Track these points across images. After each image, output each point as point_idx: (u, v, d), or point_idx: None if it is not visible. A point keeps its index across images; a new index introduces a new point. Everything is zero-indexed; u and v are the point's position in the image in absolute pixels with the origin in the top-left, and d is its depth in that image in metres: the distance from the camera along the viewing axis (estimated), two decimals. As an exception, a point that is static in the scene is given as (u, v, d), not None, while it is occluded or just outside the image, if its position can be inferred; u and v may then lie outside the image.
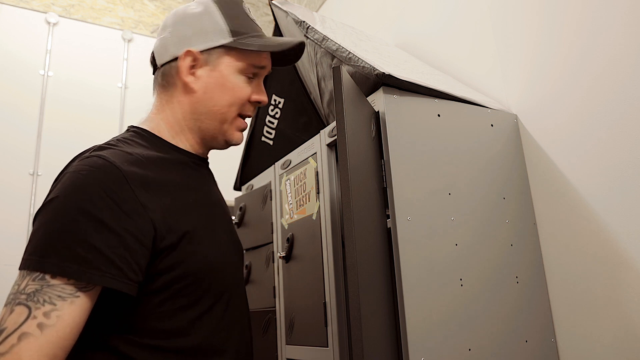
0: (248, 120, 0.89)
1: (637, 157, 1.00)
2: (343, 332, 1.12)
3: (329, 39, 1.22)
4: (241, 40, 0.79)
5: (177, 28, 0.79)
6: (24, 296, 0.57)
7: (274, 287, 1.43)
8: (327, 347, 1.17)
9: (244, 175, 1.82)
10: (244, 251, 0.99)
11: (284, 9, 1.42)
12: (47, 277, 0.59)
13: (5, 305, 0.58)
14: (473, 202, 1.11)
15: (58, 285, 0.59)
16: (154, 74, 0.85)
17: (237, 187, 1.90)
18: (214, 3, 0.80)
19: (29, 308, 0.57)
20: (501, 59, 1.37)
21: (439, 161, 1.09)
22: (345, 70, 0.92)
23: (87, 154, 0.69)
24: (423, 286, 0.97)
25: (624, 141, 1.03)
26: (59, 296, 0.58)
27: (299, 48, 0.86)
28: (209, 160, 0.90)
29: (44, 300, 0.58)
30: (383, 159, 1.03)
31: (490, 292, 1.06)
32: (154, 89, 0.85)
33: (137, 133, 0.80)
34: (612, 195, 1.05)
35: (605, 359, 1.03)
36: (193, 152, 0.83)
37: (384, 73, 1.02)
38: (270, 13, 1.53)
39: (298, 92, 1.54)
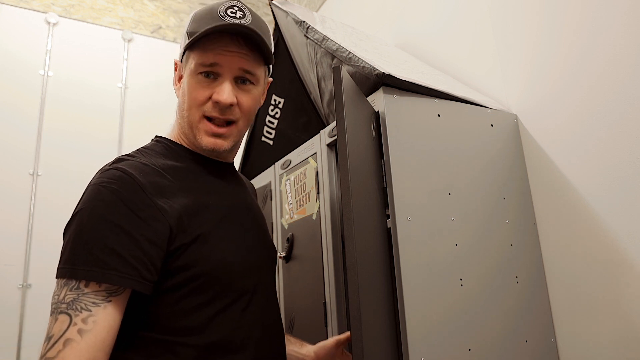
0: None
1: (637, 157, 1.00)
2: (343, 332, 1.12)
3: (329, 39, 1.22)
4: (191, 38, 0.77)
5: (182, 40, 0.84)
6: (64, 305, 0.64)
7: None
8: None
9: (244, 175, 1.82)
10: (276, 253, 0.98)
11: (284, 9, 1.42)
12: (82, 285, 0.65)
13: (51, 314, 0.65)
14: (473, 202, 1.11)
15: (91, 293, 0.64)
16: None
17: (237, 187, 1.90)
18: (195, 12, 0.82)
19: (70, 316, 0.63)
20: (501, 59, 1.37)
21: (439, 161, 1.09)
22: (345, 70, 0.92)
23: (106, 167, 0.74)
24: (423, 286, 0.97)
25: (624, 141, 1.03)
26: (93, 303, 0.64)
27: (243, 28, 0.77)
28: (234, 164, 0.91)
29: (81, 308, 0.64)
30: (383, 159, 1.03)
31: (490, 292, 1.06)
32: None
33: (158, 142, 0.84)
34: (612, 195, 1.05)
35: (605, 359, 1.03)
36: (210, 157, 0.85)
37: (384, 73, 1.02)
38: (271, 13, 1.53)
39: (298, 92, 1.54)
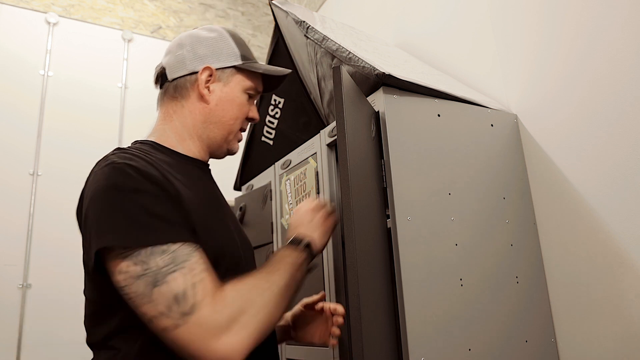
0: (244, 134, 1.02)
1: (637, 157, 1.00)
2: (343, 332, 1.12)
3: (329, 39, 1.22)
4: (249, 64, 0.92)
5: (194, 47, 0.90)
6: (166, 267, 0.66)
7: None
8: (327, 347, 1.17)
9: (244, 175, 1.82)
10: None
11: (284, 9, 1.42)
12: (162, 248, 0.67)
13: (157, 285, 0.65)
14: (473, 202, 1.11)
15: (177, 249, 0.68)
16: (161, 87, 0.93)
17: (237, 187, 1.90)
18: (226, 32, 0.94)
19: (183, 268, 0.67)
20: (501, 59, 1.37)
21: (439, 161, 1.09)
22: (345, 70, 0.92)
23: (103, 162, 0.76)
24: (423, 286, 0.97)
25: (624, 141, 1.03)
26: (188, 254, 0.68)
27: (285, 78, 1.00)
28: (210, 166, 0.96)
29: (183, 260, 0.67)
30: (383, 159, 1.03)
31: (490, 292, 1.06)
32: (160, 101, 0.92)
33: (142, 143, 0.87)
34: (612, 195, 1.05)
35: (605, 359, 1.03)
36: (195, 158, 0.90)
37: (384, 73, 1.02)
38: (270, 13, 1.53)
39: (298, 92, 1.53)
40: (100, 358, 0.75)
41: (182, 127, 0.89)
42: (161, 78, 0.92)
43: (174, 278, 0.65)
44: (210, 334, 0.64)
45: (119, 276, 0.67)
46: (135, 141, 0.89)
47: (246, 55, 0.93)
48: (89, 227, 0.71)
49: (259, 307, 0.71)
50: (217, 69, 0.89)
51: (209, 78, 0.88)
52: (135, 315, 0.68)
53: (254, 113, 0.95)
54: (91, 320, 0.79)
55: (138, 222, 0.67)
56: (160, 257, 0.66)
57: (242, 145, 1.79)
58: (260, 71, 0.93)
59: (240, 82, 0.91)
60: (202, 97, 0.88)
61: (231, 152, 0.94)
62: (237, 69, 0.91)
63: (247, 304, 0.69)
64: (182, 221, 0.71)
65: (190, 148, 0.89)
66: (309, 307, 1.01)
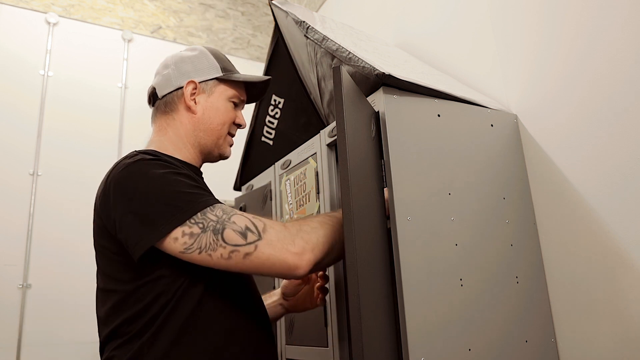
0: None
1: (637, 157, 1.00)
2: (343, 332, 1.13)
3: (329, 39, 1.22)
4: (230, 75, 1.03)
5: (178, 66, 1.01)
6: (226, 216, 0.79)
7: (274, 287, 1.43)
8: (327, 347, 1.17)
9: (244, 175, 1.82)
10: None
11: (284, 9, 1.42)
12: (212, 207, 0.80)
13: (222, 230, 0.78)
14: (473, 202, 1.11)
15: (223, 206, 0.82)
16: (152, 105, 1.05)
17: (237, 187, 1.90)
18: (206, 49, 1.04)
19: (237, 214, 0.81)
20: (501, 59, 1.37)
21: (439, 161, 1.09)
22: (345, 70, 0.92)
23: (130, 155, 0.87)
24: (423, 286, 0.97)
25: (624, 141, 1.03)
26: (228, 208, 0.82)
27: (267, 83, 1.10)
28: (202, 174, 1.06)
29: (230, 210, 0.81)
30: (383, 159, 1.03)
31: (490, 292, 1.06)
32: (153, 117, 1.03)
33: (143, 152, 0.92)
34: (612, 195, 1.05)
35: (605, 359, 1.03)
36: (190, 163, 0.99)
37: (384, 73, 1.02)
38: (270, 13, 1.53)
39: (298, 92, 1.53)
40: (123, 349, 0.80)
41: (177, 137, 0.98)
42: (152, 97, 1.04)
43: (233, 221, 0.78)
44: (282, 245, 0.78)
45: (176, 244, 0.77)
46: (135, 151, 0.92)
47: (227, 68, 1.03)
48: (136, 222, 0.79)
49: (320, 226, 0.84)
50: (200, 82, 0.99)
51: (194, 91, 0.98)
52: (165, 303, 0.80)
53: (240, 120, 1.05)
54: (114, 311, 0.84)
55: (179, 200, 0.78)
56: (211, 213, 0.78)
57: (242, 146, 1.79)
58: (240, 80, 1.03)
59: (224, 92, 1.01)
60: (189, 109, 0.98)
61: (223, 156, 1.04)
62: (219, 80, 1.01)
63: (309, 224, 0.83)
64: (209, 192, 0.85)
65: (186, 155, 0.98)
66: None
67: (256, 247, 0.77)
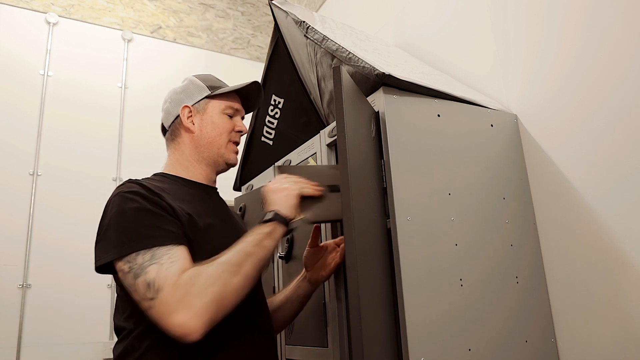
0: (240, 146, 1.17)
1: (637, 157, 1.00)
2: (343, 332, 1.12)
3: (329, 39, 1.22)
4: (216, 90, 1.10)
5: (173, 98, 1.11)
6: (147, 262, 0.81)
7: (274, 287, 1.43)
8: (327, 347, 1.17)
9: (244, 175, 1.82)
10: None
11: (284, 9, 1.42)
12: (150, 250, 0.83)
13: (137, 277, 0.81)
14: (473, 202, 1.11)
15: (161, 248, 0.83)
16: (165, 136, 1.14)
17: (237, 187, 1.90)
18: (193, 76, 1.13)
19: (157, 263, 0.81)
20: (501, 59, 1.37)
21: (439, 161, 1.09)
22: (345, 70, 0.92)
23: (121, 186, 0.94)
24: (423, 286, 0.97)
25: (624, 141, 1.03)
26: (165, 253, 0.83)
27: (256, 87, 1.13)
28: (217, 189, 1.13)
29: (161, 255, 0.82)
30: (383, 159, 1.03)
31: (490, 292, 1.06)
32: (167, 146, 1.13)
33: (158, 175, 1.06)
34: (612, 195, 1.05)
35: (605, 359, 1.03)
36: (202, 182, 1.07)
37: (384, 73, 1.02)
38: (270, 13, 1.53)
39: (298, 92, 1.53)
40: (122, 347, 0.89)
41: (183, 158, 1.08)
42: (163, 131, 1.14)
43: (148, 270, 0.80)
44: (168, 312, 0.77)
45: (119, 274, 0.85)
46: (155, 173, 1.07)
47: (213, 85, 1.11)
48: (97, 242, 0.89)
49: (213, 280, 0.81)
50: (193, 105, 1.08)
51: (190, 114, 1.08)
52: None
53: (240, 127, 1.11)
54: (117, 313, 0.95)
55: (133, 235, 0.84)
56: (142, 256, 0.82)
57: (242, 146, 1.79)
58: (227, 91, 1.10)
59: (216, 107, 1.09)
60: (188, 130, 1.07)
61: (229, 163, 1.10)
62: (209, 97, 1.09)
63: (201, 280, 0.80)
64: (171, 230, 0.86)
65: (194, 173, 1.07)
66: (314, 245, 1.12)
67: (151, 306, 0.79)
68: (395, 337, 0.95)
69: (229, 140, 1.09)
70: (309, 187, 1.00)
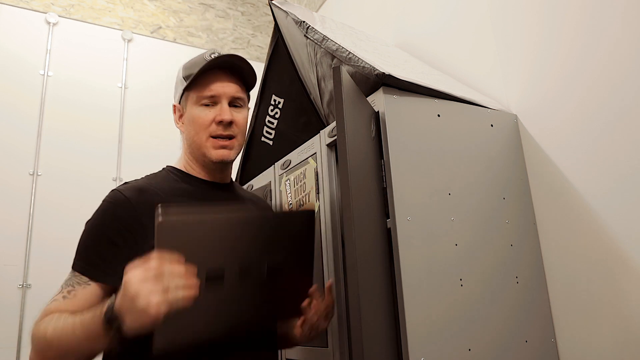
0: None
1: (637, 157, 1.00)
2: (343, 332, 1.12)
3: (328, 39, 1.22)
4: (189, 79, 1.00)
5: (174, 93, 1.08)
6: (63, 283, 0.89)
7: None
8: (327, 347, 1.17)
9: (244, 175, 1.82)
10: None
11: (284, 9, 1.42)
12: (75, 272, 0.89)
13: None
14: (473, 202, 1.11)
15: (78, 276, 0.88)
16: None
17: (237, 187, 1.89)
18: (183, 65, 1.05)
19: (62, 288, 0.89)
20: (501, 59, 1.37)
21: (439, 161, 1.09)
22: (345, 70, 0.92)
23: (115, 189, 0.96)
24: (423, 286, 0.97)
25: (624, 141, 1.03)
26: (77, 282, 0.88)
27: (236, 60, 1.00)
28: (229, 184, 1.08)
29: (68, 284, 0.88)
30: (383, 159, 1.03)
31: (490, 292, 1.06)
32: None
33: (165, 170, 1.05)
34: (612, 195, 1.05)
35: (605, 359, 1.03)
36: (203, 178, 1.03)
37: (384, 73, 1.02)
38: (270, 13, 1.53)
39: (298, 92, 1.53)
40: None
41: (183, 154, 1.06)
42: None
43: (47, 302, 0.87)
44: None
45: None
46: (167, 165, 1.06)
47: (187, 74, 1.01)
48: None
49: (39, 342, 0.83)
50: (178, 103, 1.04)
51: (179, 113, 1.04)
52: None
53: (220, 115, 0.98)
54: None
55: (79, 250, 0.92)
56: (69, 274, 0.90)
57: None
58: (193, 77, 0.98)
59: (191, 99, 1.00)
60: (181, 129, 1.05)
61: (212, 160, 0.99)
62: (186, 90, 1.01)
63: (38, 333, 0.82)
64: (100, 262, 0.88)
65: (193, 168, 1.04)
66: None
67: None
68: (395, 337, 0.95)
69: (209, 136, 0.98)
70: (182, 290, 0.69)
